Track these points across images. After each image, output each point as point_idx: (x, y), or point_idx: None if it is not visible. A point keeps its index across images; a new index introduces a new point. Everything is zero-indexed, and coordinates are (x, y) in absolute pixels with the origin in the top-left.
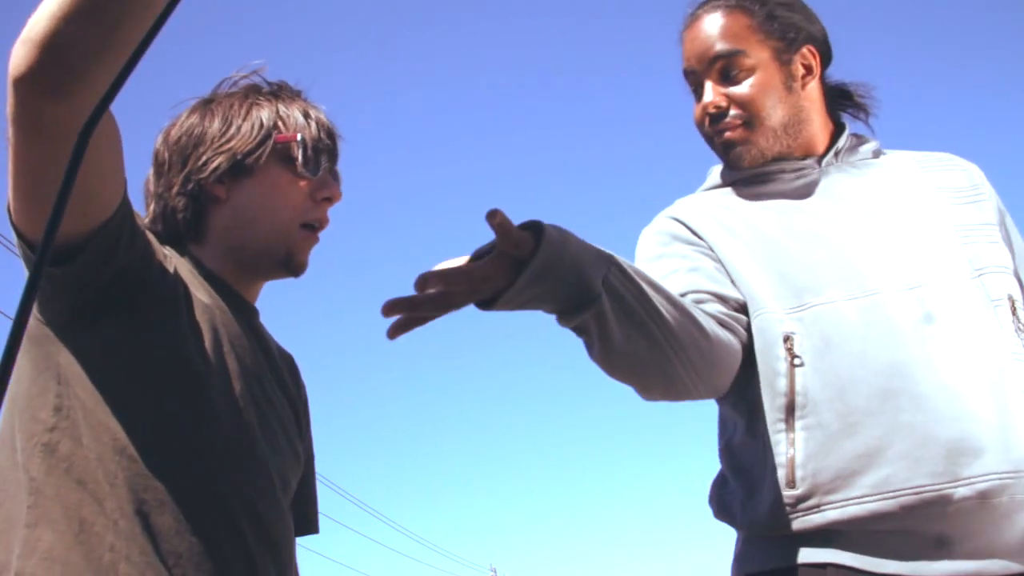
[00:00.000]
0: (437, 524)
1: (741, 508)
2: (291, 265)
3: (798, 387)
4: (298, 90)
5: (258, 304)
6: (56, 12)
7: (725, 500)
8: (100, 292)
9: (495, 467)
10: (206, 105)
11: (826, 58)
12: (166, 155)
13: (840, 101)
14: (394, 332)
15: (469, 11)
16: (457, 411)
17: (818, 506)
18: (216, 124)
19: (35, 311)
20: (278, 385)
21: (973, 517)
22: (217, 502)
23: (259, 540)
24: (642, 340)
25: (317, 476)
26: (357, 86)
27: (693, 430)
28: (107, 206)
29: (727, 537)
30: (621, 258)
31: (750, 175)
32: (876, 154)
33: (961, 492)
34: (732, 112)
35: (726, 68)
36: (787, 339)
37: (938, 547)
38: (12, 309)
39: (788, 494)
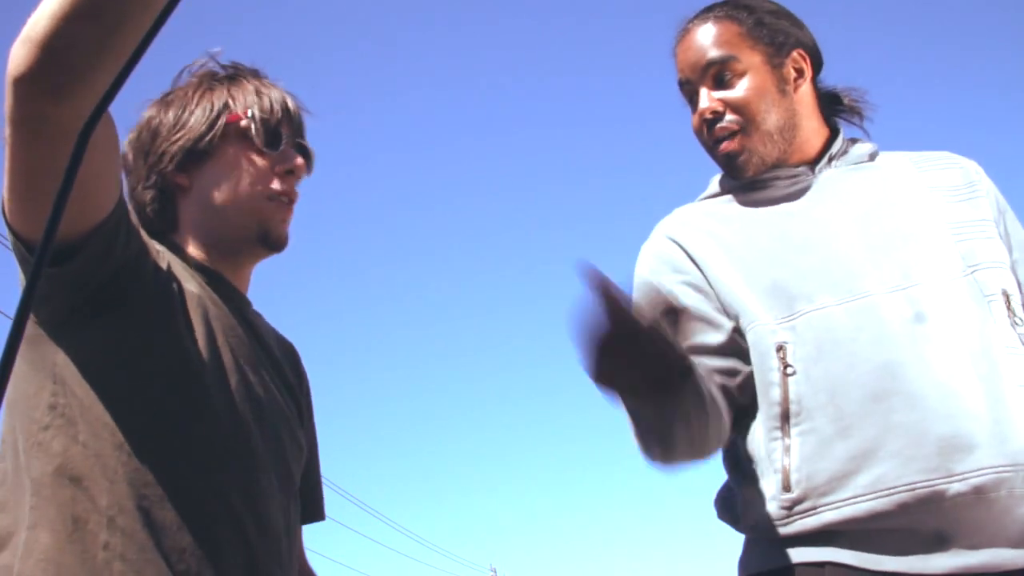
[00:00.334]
0: (437, 524)
1: (742, 513)
2: (268, 239)
3: (792, 395)
4: (254, 70)
5: (258, 304)
6: (57, 12)
7: (728, 505)
8: (97, 290)
9: (495, 467)
10: (163, 99)
11: (816, 63)
12: (130, 154)
13: (833, 106)
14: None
15: (469, 11)
16: (458, 411)
17: (813, 508)
18: (170, 115)
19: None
20: (276, 375)
21: (970, 512)
22: (217, 495)
23: (259, 532)
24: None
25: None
26: (357, 86)
27: None
28: (104, 205)
29: (728, 537)
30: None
31: (747, 183)
32: (872, 156)
33: (956, 488)
34: (728, 116)
35: (719, 74)
36: (780, 348)
37: (937, 543)
38: (12, 309)
39: (784, 498)
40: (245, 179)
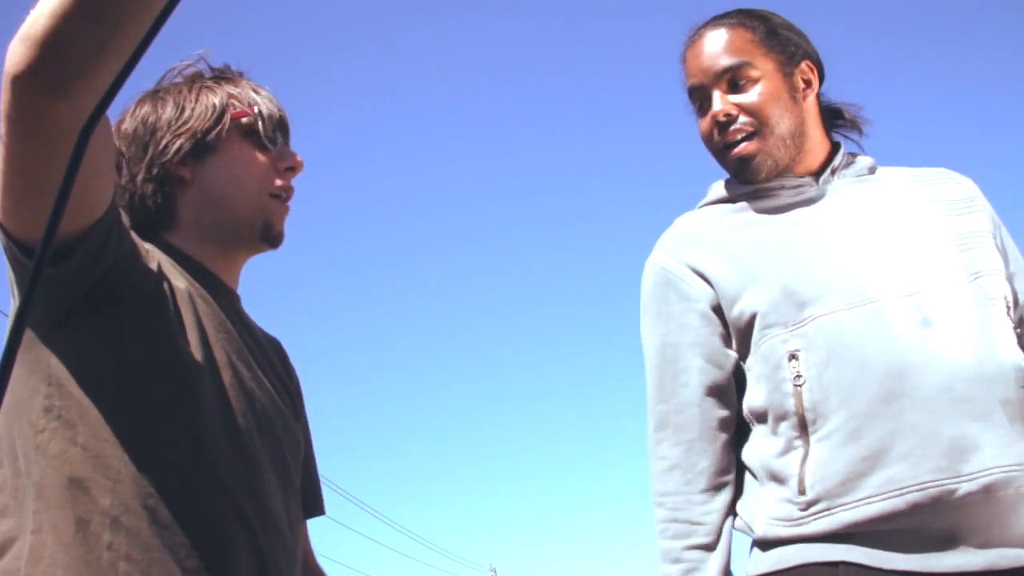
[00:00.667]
0: (437, 524)
1: (754, 516)
2: (270, 235)
3: (807, 404)
4: (240, 72)
5: (259, 304)
6: (56, 10)
7: (738, 508)
8: (91, 290)
9: (495, 467)
10: (155, 95)
11: (821, 76)
12: (124, 148)
13: (834, 120)
14: None
15: (470, 11)
16: (457, 411)
17: (828, 509)
18: (169, 110)
19: None
20: (269, 369)
21: (980, 511)
22: (221, 492)
23: (265, 527)
24: None
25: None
26: (357, 86)
27: None
28: (99, 205)
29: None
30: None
31: (751, 191)
32: (872, 170)
33: (965, 487)
34: (742, 119)
35: (733, 80)
36: (792, 357)
37: (948, 541)
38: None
39: (799, 500)
40: (250, 173)
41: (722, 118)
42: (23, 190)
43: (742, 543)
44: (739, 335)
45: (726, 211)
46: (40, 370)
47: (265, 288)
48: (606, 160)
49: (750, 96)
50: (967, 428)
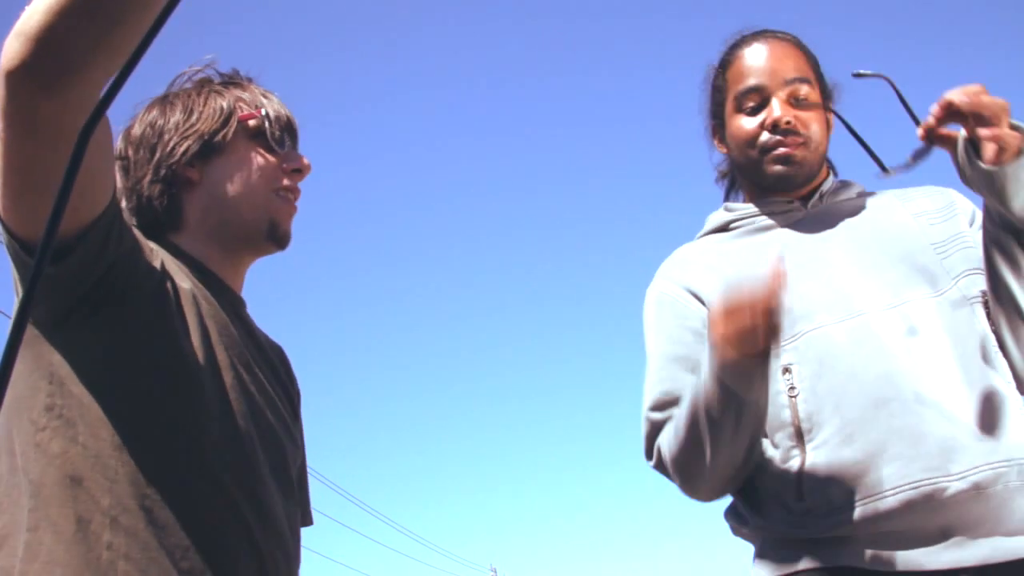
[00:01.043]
0: (437, 524)
1: (754, 523)
2: (276, 235)
3: (801, 414)
4: (249, 77)
5: (260, 305)
6: (52, 6)
7: (740, 516)
8: (92, 288)
9: (495, 467)
10: (163, 100)
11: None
12: (131, 151)
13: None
14: None
15: (469, 11)
16: (458, 411)
17: (826, 513)
18: (177, 114)
19: None
20: (270, 373)
21: (972, 508)
22: (220, 494)
23: (265, 530)
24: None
25: (318, 475)
26: (356, 86)
27: None
28: (99, 202)
29: (728, 538)
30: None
31: (744, 215)
32: (860, 195)
33: (955, 486)
34: (801, 131)
35: (795, 93)
36: (785, 371)
37: (943, 538)
38: (9, 308)
39: (797, 506)
40: (257, 174)
41: (784, 124)
42: (21, 187)
43: (736, 543)
44: None
45: (721, 239)
46: (41, 368)
47: (266, 288)
48: (606, 160)
49: (809, 115)
50: (955, 429)
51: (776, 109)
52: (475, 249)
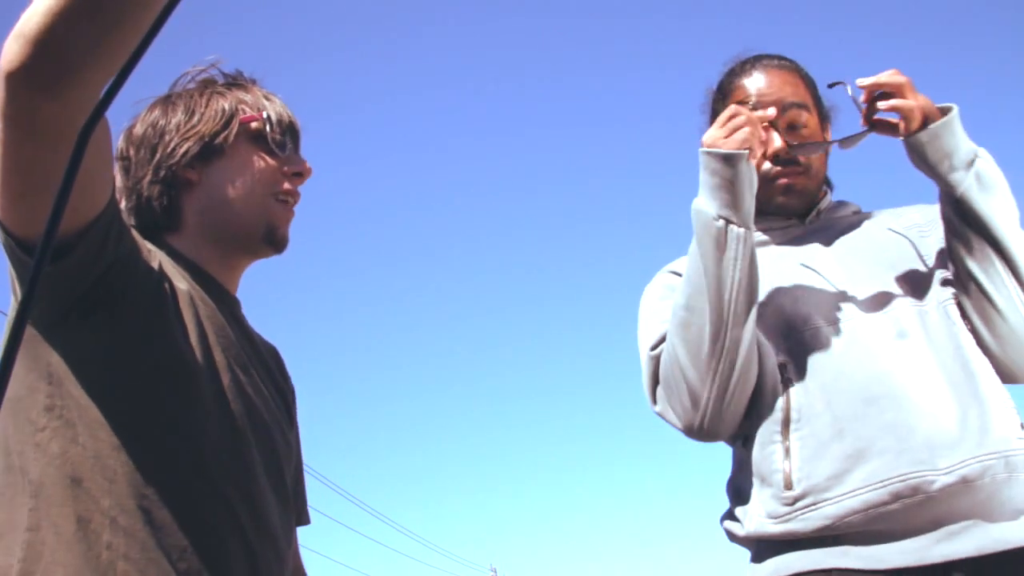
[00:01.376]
0: (437, 524)
1: (746, 521)
2: (273, 238)
3: (793, 405)
4: (253, 79)
5: (258, 302)
6: (52, 8)
7: (736, 520)
8: (91, 288)
9: (495, 467)
10: (166, 100)
11: None
12: (132, 151)
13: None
14: None
15: (470, 11)
16: (457, 411)
17: (814, 504)
18: (179, 114)
19: None
20: (266, 375)
21: (961, 501)
22: (216, 495)
23: (258, 532)
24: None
25: (318, 475)
26: (356, 86)
27: None
28: (98, 202)
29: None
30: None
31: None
32: (855, 213)
33: (943, 480)
34: (800, 160)
35: (793, 120)
36: (783, 367)
37: (933, 531)
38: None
39: (786, 495)
40: (257, 177)
41: (783, 155)
42: (21, 188)
43: (743, 553)
44: None
45: None
46: (39, 368)
47: (267, 288)
48: (607, 160)
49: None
50: (942, 425)
51: (776, 140)
52: (475, 249)
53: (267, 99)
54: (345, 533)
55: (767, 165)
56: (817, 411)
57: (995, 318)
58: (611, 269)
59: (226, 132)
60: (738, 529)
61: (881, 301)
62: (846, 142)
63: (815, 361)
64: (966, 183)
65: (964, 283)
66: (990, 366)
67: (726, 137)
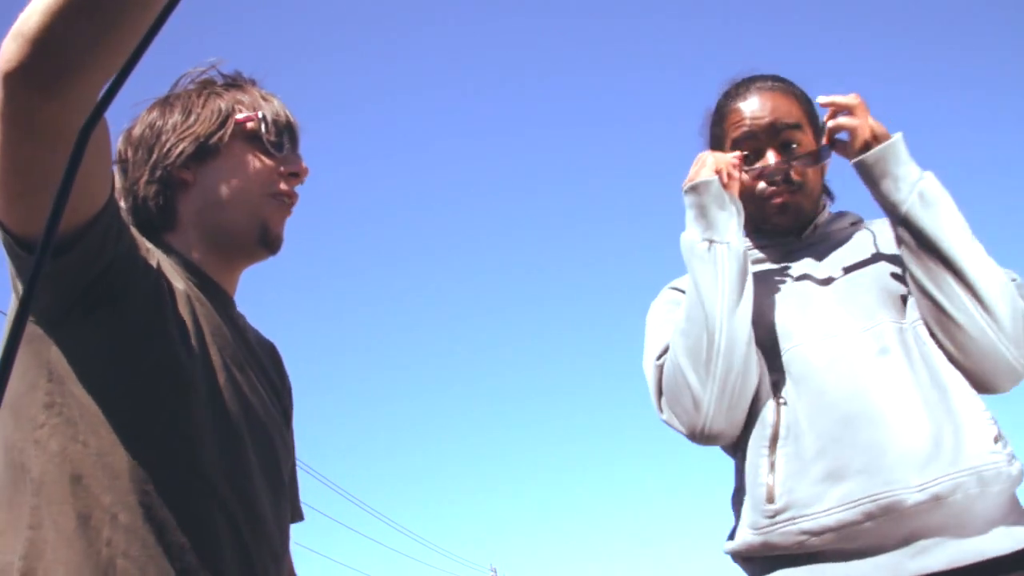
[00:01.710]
0: (437, 524)
1: (737, 534)
2: (267, 239)
3: (783, 421)
4: (252, 79)
5: (258, 302)
6: (51, 7)
7: (731, 536)
8: (92, 285)
9: (495, 467)
10: (164, 101)
11: None
12: (129, 152)
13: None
14: None
15: (470, 11)
16: (457, 411)
17: (793, 519)
18: (176, 115)
19: None
20: (261, 374)
21: (933, 516)
22: (213, 494)
23: (253, 532)
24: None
25: (318, 475)
26: (355, 86)
27: None
28: (97, 201)
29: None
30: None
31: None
32: (853, 224)
33: (915, 497)
34: (795, 179)
35: (786, 140)
36: (775, 385)
37: (908, 547)
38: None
39: (767, 508)
40: (252, 177)
41: (779, 177)
42: (19, 188)
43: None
44: None
45: None
46: (39, 365)
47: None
48: (607, 160)
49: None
50: (916, 442)
51: (771, 160)
52: (475, 249)
53: (265, 99)
54: (345, 533)
55: (762, 185)
56: (803, 429)
57: (957, 333)
58: (611, 269)
59: (221, 132)
60: (730, 545)
61: (866, 317)
62: (806, 159)
63: (802, 378)
64: (909, 202)
65: (923, 302)
66: (963, 380)
67: (695, 174)
